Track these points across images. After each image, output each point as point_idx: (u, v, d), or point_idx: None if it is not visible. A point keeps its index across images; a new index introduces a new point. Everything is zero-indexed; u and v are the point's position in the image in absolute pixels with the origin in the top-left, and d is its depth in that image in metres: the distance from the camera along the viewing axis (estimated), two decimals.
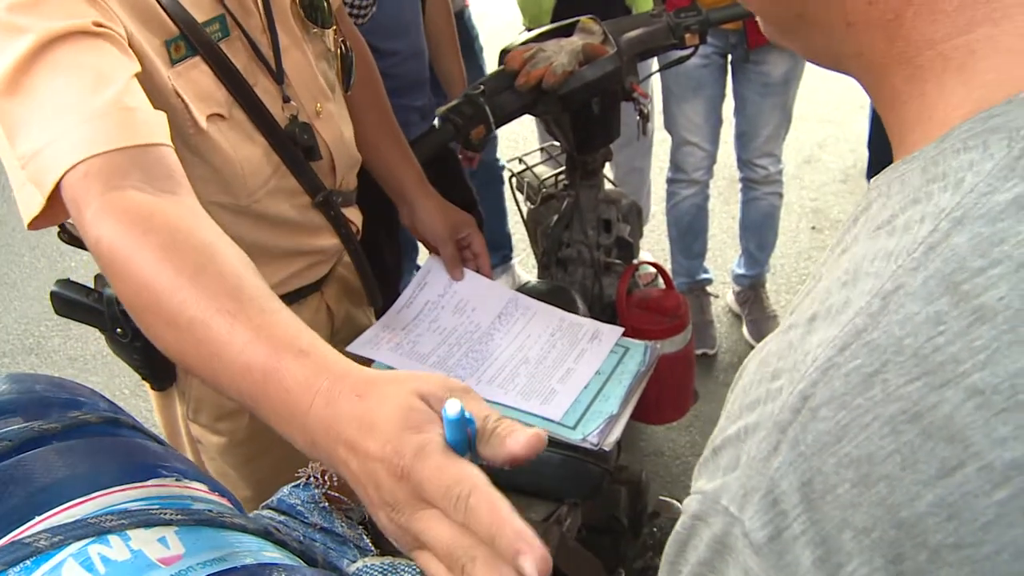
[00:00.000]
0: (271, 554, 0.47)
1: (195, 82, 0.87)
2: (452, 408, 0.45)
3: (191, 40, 0.86)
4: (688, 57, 1.47)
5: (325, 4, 1.03)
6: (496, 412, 0.48)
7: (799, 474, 0.31)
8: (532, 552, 0.40)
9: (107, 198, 0.67)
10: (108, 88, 0.72)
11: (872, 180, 0.40)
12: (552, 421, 0.98)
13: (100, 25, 0.75)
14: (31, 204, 0.72)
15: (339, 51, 1.10)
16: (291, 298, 1.08)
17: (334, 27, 1.08)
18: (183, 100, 0.86)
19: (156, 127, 0.73)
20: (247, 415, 1.08)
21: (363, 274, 1.20)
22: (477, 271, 1.22)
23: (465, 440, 0.46)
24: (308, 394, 0.51)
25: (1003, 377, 0.29)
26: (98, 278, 1.04)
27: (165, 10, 0.84)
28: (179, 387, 1.07)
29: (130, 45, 0.80)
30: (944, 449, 0.29)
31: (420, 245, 1.40)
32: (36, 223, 0.74)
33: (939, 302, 0.30)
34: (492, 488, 0.43)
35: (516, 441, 0.46)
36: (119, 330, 1.01)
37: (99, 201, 0.67)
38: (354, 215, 1.16)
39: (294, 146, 0.98)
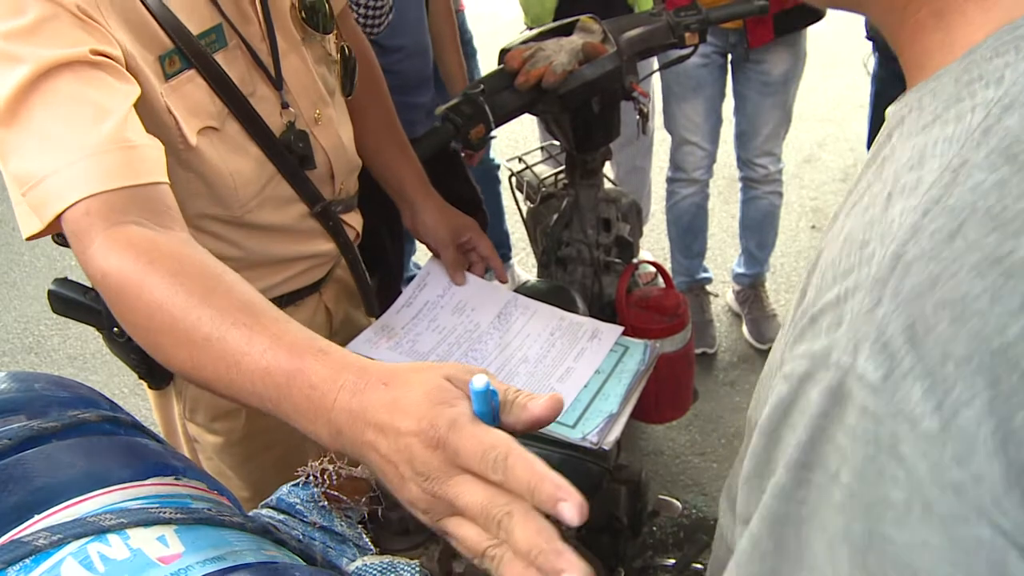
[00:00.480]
0: (270, 552, 0.47)
1: (188, 96, 0.87)
2: (479, 381, 0.49)
3: (185, 53, 0.86)
4: (688, 56, 1.47)
5: (326, 8, 1.02)
6: (514, 387, 0.53)
7: (903, 319, 0.35)
8: (572, 499, 0.45)
9: (110, 233, 0.70)
10: (107, 121, 0.73)
11: (896, 103, 0.44)
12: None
13: (97, 53, 0.75)
14: (28, 224, 0.74)
15: (340, 54, 1.10)
16: (289, 300, 1.08)
17: (335, 31, 1.07)
18: (175, 117, 0.86)
19: (155, 164, 0.75)
20: (244, 415, 1.08)
21: (360, 281, 1.20)
22: (487, 272, 1.22)
23: (490, 411, 0.50)
24: (333, 388, 0.54)
25: None
26: None
27: (160, 24, 0.83)
28: (176, 386, 1.07)
29: (127, 66, 0.80)
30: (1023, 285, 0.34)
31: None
32: (33, 237, 0.76)
33: (1001, 170, 0.36)
34: (526, 450, 0.47)
35: (537, 405, 0.51)
36: (116, 329, 1.01)
37: (102, 236, 0.70)
38: (354, 220, 1.15)
39: (289, 155, 0.98)
